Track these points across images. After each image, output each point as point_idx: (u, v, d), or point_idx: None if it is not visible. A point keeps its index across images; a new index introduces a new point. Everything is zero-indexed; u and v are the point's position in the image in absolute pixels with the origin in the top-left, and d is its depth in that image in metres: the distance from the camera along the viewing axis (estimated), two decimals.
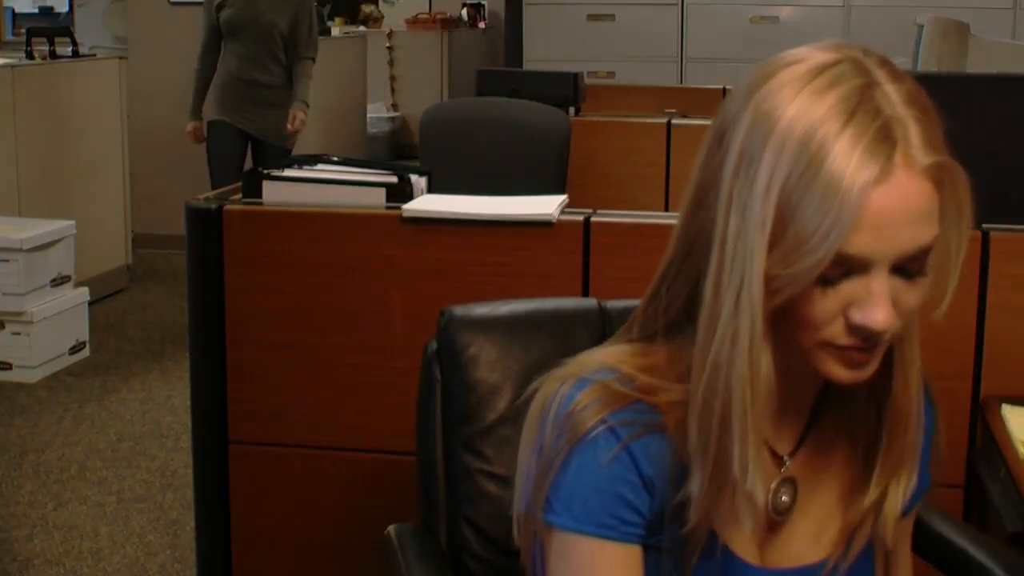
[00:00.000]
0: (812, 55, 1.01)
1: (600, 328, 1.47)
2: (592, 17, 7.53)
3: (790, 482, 1.10)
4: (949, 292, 1.03)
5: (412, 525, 1.51)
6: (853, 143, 0.95)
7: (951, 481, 1.97)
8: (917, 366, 1.10)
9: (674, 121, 4.09)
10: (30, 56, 5.33)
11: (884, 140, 0.95)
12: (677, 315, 1.09)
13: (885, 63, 1.01)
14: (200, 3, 5.30)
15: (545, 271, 2.08)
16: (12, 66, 4.99)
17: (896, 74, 1.00)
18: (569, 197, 2.22)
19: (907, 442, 1.10)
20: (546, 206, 2.12)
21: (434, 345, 1.51)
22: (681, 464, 1.06)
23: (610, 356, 1.11)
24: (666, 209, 3.95)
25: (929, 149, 0.97)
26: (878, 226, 0.95)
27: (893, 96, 0.97)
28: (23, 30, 6.53)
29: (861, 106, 0.96)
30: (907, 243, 0.97)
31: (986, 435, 1.89)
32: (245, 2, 4.87)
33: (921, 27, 3.58)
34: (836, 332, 1.00)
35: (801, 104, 0.97)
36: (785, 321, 1.01)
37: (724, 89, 5.06)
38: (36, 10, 9.43)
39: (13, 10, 9.38)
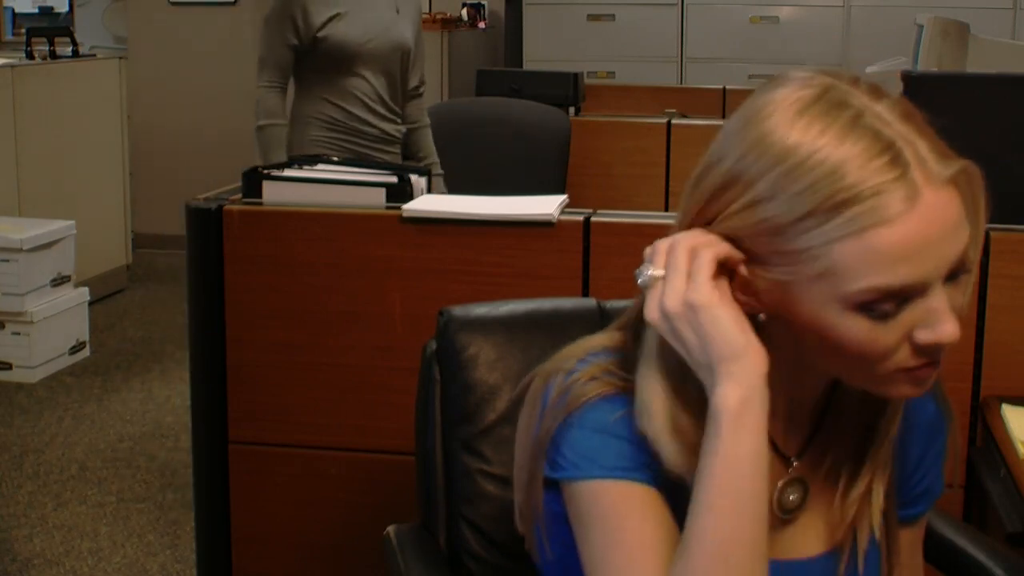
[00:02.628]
0: (791, 93, 1.00)
1: (599, 328, 1.47)
2: (592, 17, 7.53)
3: (799, 482, 1.12)
4: (969, 286, 1.03)
5: (411, 525, 1.51)
6: (871, 176, 0.95)
7: (951, 481, 1.97)
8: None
9: (674, 121, 4.09)
10: (30, 56, 5.33)
11: (898, 166, 0.95)
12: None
13: (856, 81, 1.00)
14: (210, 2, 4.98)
15: (545, 271, 2.08)
16: (12, 66, 4.98)
17: (878, 91, 1.00)
18: (569, 197, 2.22)
19: (891, 438, 1.13)
20: (546, 206, 2.11)
21: (433, 345, 1.51)
22: None
23: (607, 340, 1.14)
24: (666, 209, 3.95)
25: (943, 159, 0.97)
26: (924, 251, 0.95)
27: (887, 115, 0.97)
28: (23, 30, 6.53)
29: (862, 136, 0.96)
30: (952, 254, 0.97)
31: (986, 435, 1.89)
32: (366, 11, 3.16)
33: (921, 27, 3.58)
34: (904, 357, 0.99)
35: (799, 135, 0.98)
36: (850, 363, 1.01)
37: (724, 89, 5.07)
38: (36, 10, 9.41)
39: (13, 10, 9.36)
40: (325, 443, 2.20)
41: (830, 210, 0.95)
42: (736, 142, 1.01)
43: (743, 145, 1.00)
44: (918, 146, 0.96)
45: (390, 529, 1.50)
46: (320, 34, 3.12)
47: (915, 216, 0.94)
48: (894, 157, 0.95)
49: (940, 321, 0.97)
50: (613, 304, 1.50)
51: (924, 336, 0.98)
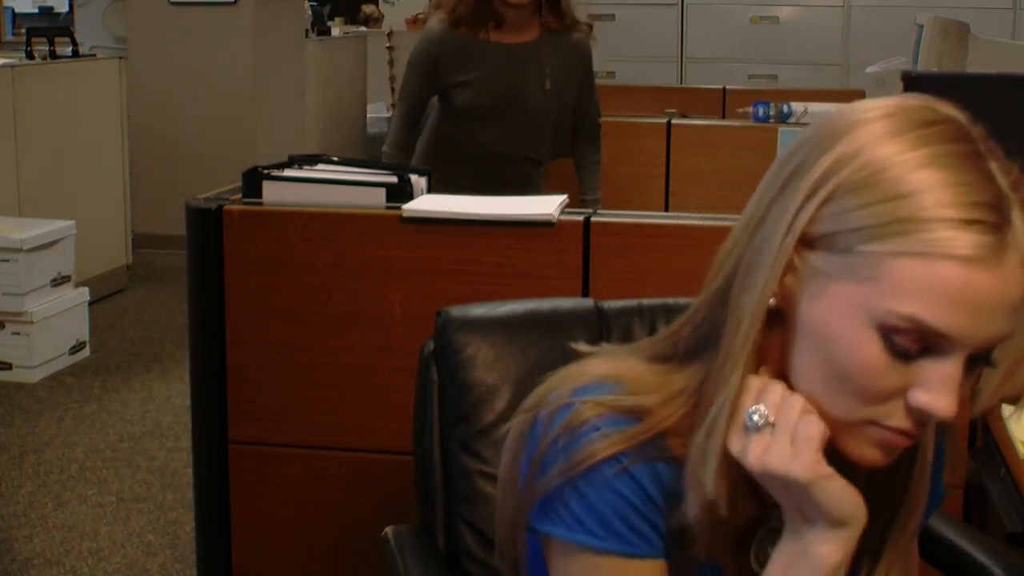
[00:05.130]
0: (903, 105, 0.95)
1: (597, 328, 1.47)
2: (592, 17, 7.52)
3: (779, 533, 1.03)
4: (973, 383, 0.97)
5: (410, 526, 1.51)
6: (965, 200, 0.90)
7: (951, 481, 1.97)
8: (931, 456, 1.07)
9: (674, 121, 4.09)
10: (30, 56, 5.33)
11: (999, 215, 0.90)
12: (698, 342, 1.04)
13: (986, 137, 0.95)
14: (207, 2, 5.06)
15: (545, 271, 2.08)
16: (12, 66, 4.98)
17: (996, 148, 0.95)
18: (569, 197, 2.22)
19: (910, 532, 1.08)
20: (546, 206, 2.11)
21: (431, 346, 1.51)
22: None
23: (616, 369, 1.06)
24: (666, 209, 3.95)
25: None
26: (979, 309, 0.89)
27: (1001, 177, 0.92)
28: (23, 30, 6.53)
29: (975, 171, 0.91)
30: (995, 333, 0.91)
31: (986, 435, 1.89)
32: (503, 79, 3.21)
33: (921, 27, 3.58)
34: (889, 411, 0.94)
35: (901, 147, 0.92)
36: (833, 384, 0.95)
37: (724, 89, 5.07)
38: (36, 10, 9.42)
39: (13, 10, 9.38)
40: (325, 443, 2.20)
41: (914, 222, 0.90)
42: (828, 141, 0.96)
43: (838, 145, 0.95)
44: (1019, 208, 0.91)
45: (388, 530, 1.50)
46: (448, 91, 3.22)
47: (992, 271, 0.89)
48: (999, 206, 0.90)
49: (943, 392, 0.91)
50: (611, 304, 1.50)
51: (921, 398, 0.92)
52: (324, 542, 2.23)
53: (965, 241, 0.88)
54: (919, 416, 0.93)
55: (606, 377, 1.05)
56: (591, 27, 3.37)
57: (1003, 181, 0.91)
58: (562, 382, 1.07)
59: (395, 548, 1.46)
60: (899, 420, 0.94)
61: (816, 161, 0.95)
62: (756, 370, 0.99)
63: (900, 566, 1.08)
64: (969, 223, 0.89)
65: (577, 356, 1.12)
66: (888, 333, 0.91)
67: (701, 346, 1.03)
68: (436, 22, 3.23)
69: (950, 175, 0.90)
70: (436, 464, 1.48)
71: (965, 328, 0.90)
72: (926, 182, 0.90)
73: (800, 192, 0.95)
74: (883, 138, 0.93)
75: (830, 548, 0.96)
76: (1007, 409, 1.85)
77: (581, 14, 3.31)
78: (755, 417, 0.97)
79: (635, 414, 1.02)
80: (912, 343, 0.91)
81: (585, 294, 2.06)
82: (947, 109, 0.96)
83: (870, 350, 0.92)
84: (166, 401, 4.16)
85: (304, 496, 2.22)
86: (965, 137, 0.93)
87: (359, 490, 2.20)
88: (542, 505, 1.03)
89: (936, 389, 0.91)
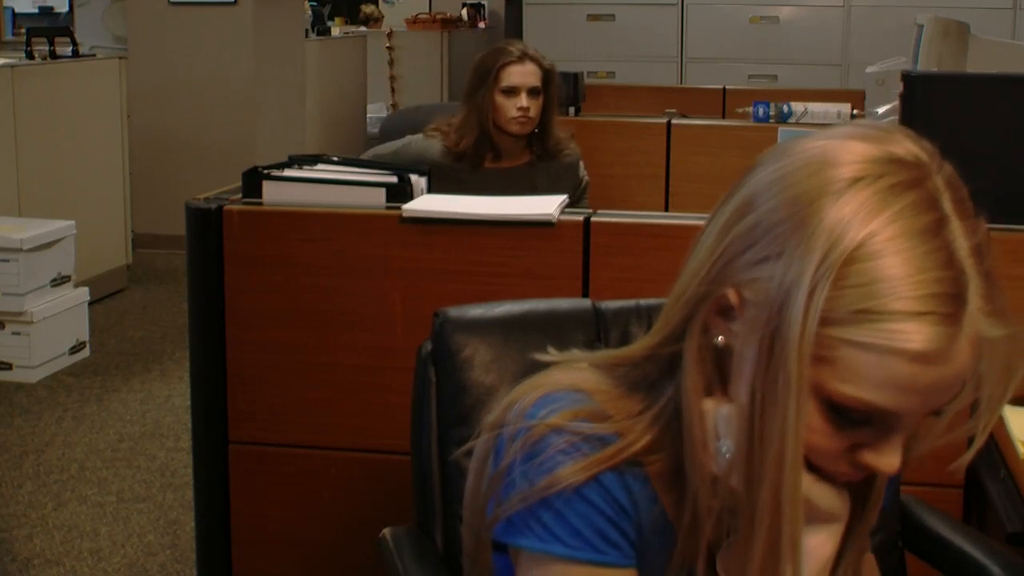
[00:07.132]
0: (865, 168, 0.92)
1: (594, 328, 1.47)
2: (592, 17, 7.54)
3: None
4: (980, 440, 0.98)
5: (407, 527, 1.51)
6: (921, 307, 0.89)
7: (951, 481, 1.97)
8: (884, 483, 1.09)
9: (674, 121, 4.10)
10: (30, 56, 5.33)
11: (953, 303, 0.90)
12: (659, 374, 1.05)
13: (951, 183, 0.93)
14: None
15: (545, 271, 2.08)
16: (12, 66, 4.98)
17: (963, 199, 0.93)
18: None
19: (872, 523, 1.10)
20: (546, 206, 2.12)
21: (428, 346, 1.51)
22: (663, 512, 1.04)
23: (583, 382, 1.07)
24: (666, 209, 3.95)
25: (997, 317, 0.91)
26: (926, 393, 0.91)
27: (963, 244, 0.91)
28: (23, 30, 6.53)
29: (937, 252, 0.90)
30: (943, 402, 0.94)
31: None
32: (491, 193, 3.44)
33: (921, 27, 3.58)
34: (838, 465, 0.97)
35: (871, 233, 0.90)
36: None
37: (724, 89, 5.07)
38: (36, 10, 9.43)
39: (13, 10, 9.38)
40: (324, 443, 2.20)
41: (872, 312, 0.89)
42: (798, 221, 0.92)
43: (797, 216, 0.92)
44: (977, 285, 0.91)
45: (386, 531, 1.49)
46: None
47: (942, 360, 0.90)
48: (954, 293, 0.90)
49: (890, 454, 0.95)
50: (608, 305, 1.50)
51: (868, 458, 0.95)
52: (324, 542, 2.23)
53: (917, 335, 0.89)
54: (865, 470, 0.97)
55: (570, 387, 1.06)
56: (572, 136, 3.40)
57: (964, 249, 0.90)
58: (523, 396, 1.07)
59: (393, 549, 1.45)
60: (845, 469, 0.97)
61: (787, 246, 0.92)
62: (709, 393, 1.00)
63: (862, 557, 1.11)
64: (922, 315, 0.89)
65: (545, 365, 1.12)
66: (834, 406, 0.93)
67: (664, 376, 1.04)
68: (438, 145, 3.19)
69: (911, 262, 0.89)
70: (434, 465, 1.48)
71: (911, 406, 0.92)
72: (888, 270, 0.89)
73: (780, 283, 0.92)
74: (855, 223, 0.90)
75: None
76: (1007, 409, 1.85)
77: (564, 133, 3.35)
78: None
79: (602, 439, 1.02)
80: (858, 416, 0.93)
81: (585, 294, 2.06)
82: (912, 152, 0.94)
83: (814, 417, 0.94)
84: (166, 401, 4.16)
85: (304, 496, 2.22)
86: (931, 204, 0.91)
87: (358, 490, 2.20)
88: (510, 519, 1.03)
89: (882, 452, 0.95)
